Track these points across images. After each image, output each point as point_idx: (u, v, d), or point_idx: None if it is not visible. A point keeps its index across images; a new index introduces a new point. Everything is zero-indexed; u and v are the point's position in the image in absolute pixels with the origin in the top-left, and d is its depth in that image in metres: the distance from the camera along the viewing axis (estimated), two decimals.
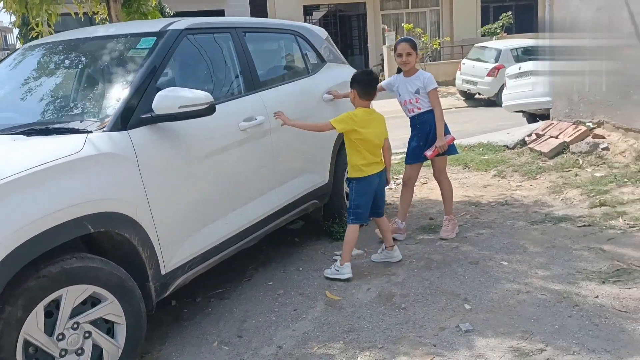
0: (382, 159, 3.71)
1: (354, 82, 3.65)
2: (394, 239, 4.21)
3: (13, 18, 6.32)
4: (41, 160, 2.32)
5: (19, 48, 3.93)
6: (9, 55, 3.84)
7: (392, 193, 5.67)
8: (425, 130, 4.11)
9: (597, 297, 3.06)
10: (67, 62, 3.44)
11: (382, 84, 4.35)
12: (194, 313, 3.32)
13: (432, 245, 4.06)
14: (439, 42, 18.20)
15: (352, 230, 3.64)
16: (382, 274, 3.63)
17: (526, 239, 4.02)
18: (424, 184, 5.93)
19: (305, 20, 21.27)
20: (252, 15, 19.81)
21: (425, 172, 6.28)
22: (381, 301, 3.25)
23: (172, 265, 2.85)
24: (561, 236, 4.00)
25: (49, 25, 6.17)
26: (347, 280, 3.54)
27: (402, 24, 19.74)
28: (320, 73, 4.50)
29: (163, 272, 2.80)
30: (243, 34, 3.80)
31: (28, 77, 3.41)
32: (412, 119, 4.18)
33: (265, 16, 20.28)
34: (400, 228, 4.27)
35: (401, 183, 4.46)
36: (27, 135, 2.64)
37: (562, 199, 4.90)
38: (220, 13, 19.70)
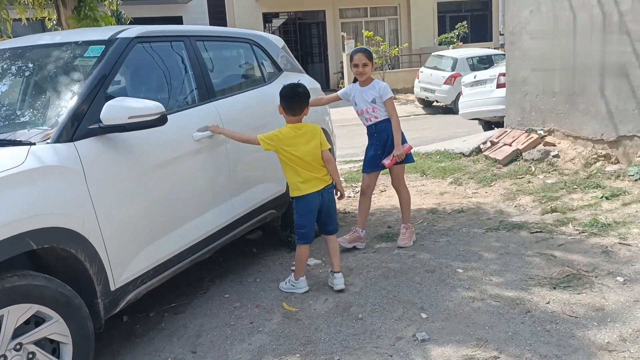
0: (325, 174, 3.49)
1: (280, 96, 3.44)
2: (354, 247, 4.21)
3: None
4: None
5: None
6: None
7: (351, 201, 5.68)
8: (382, 138, 4.13)
9: (548, 303, 3.11)
10: (11, 70, 3.30)
11: (338, 93, 4.36)
12: (146, 329, 3.23)
13: (389, 254, 4.07)
14: (398, 50, 18.44)
15: (301, 250, 3.53)
16: None
17: (481, 246, 4.07)
18: (382, 192, 5.96)
19: (264, 28, 21.25)
20: (210, 23, 19.64)
21: (384, 180, 6.33)
22: (338, 312, 3.23)
23: (123, 280, 2.76)
24: (515, 243, 4.07)
25: (8, 37, 5.94)
26: (305, 293, 3.51)
27: (362, 31, 19.92)
28: (276, 82, 4.47)
29: (113, 287, 2.70)
30: (197, 43, 3.74)
31: None
32: (369, 127, 4.20)
33: (225, 23, 20.15)
34: (361, 236, 4.27)
35: (359, 192, 4.46)
36: None
37: (515, 206, 5.00)
38: (178, 20, 19.49)
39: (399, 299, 3.32)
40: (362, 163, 4.54)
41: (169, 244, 3.08)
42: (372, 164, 4.20)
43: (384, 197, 5.75)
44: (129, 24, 14.55)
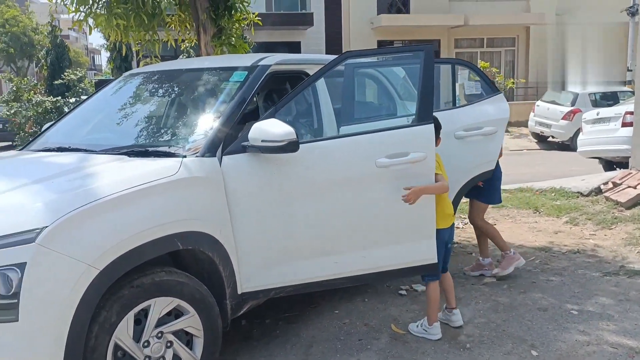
0: (452, 209, 3.43)
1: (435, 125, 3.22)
2: (482, 275, 4.22)
3: (103, 40, 6.85)
4: (140, 180, 2.56)
5: (102, 77, 4.27)
6: (110, 81, 4.19)
7: (458, 232, 5.66)
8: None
9: None
10: (164, 90, 3.74)
11: None
12: (262, 334, 3.46)
13: (499, 288, 4.04)
14: (514, 82, 17.99)
15: (433, 288, 3.31)
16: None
17: (598, 289, 3.93)
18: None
19: None
20: (327, 48, 20.33)
21: (492, 213, 6.26)
22: (446, 339, 3.27)
23: (249, 287, 2.95)
24: (636, 290, 3.88)
25: (153, 55, 6.62)
26: (437, 340, 3.28)
27: (478, 62, 19.67)
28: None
29: (240, 291, 2.94)
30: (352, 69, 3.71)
31: (128, 101, 3.73)
32: None
33: (340, 49, 20.77)
34: (484, 264, 4.33)
35: (468, 222, 4.49)
36: (129, 156, 2.91)
37: (638, 252, 4.75)
38: (297, 45, 20.35)
39: (508, 334, 3.30)
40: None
41: (303, 270, 3.05)
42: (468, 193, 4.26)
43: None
44: (252, 49, 15.49)
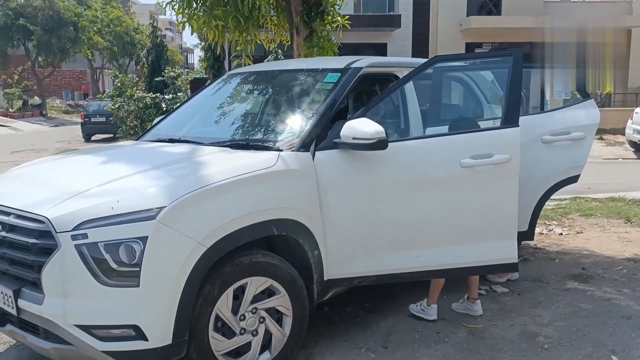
0: None
1: None
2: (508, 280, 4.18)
3: (197, 40, 7.33)
4: (243, 170, 2.84)
5: (197, 76, 4.62)
6: (204, 79, 4.56)
7: (542, 238, 5.60)
8: None
9: None
10: (262, 89, 4.04)
11: None
12: (344, 321, 3.67)
13: (582, 295, 4.02)
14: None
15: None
16: (527, 313, 3.70)
17: None
18: (578, 233, 5.78)
19: None
20: (413, 50, 20.30)
21: (581, 221, 6.13)
22: (524, 339, 3.34)
23: (335, 275, 3.17)
24: None
25: (247, 56, 7.04)
26: (433, 321, 3.55)
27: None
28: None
29: (326, 278, 3.16)
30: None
31: (231, 99, 4.06)
32: None
33: (427, 51, 20.65)
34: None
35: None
36: (232, 148, 3.21)
37: None
38: (383, 47, 20.44)
39: (589, 338, 3.31)
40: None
41: (386, 261, 3.22)
42: None
43: (580, 239, 5.56)
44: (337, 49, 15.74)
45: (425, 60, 3.62)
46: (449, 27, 20.97)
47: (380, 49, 20.30)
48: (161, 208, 2.51)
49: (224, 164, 2.94)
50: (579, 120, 4.07)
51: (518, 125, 3.22)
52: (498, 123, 3.63)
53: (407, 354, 3.19)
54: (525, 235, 4.08)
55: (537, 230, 5.82)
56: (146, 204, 2.54)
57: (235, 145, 3.25)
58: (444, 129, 3.59)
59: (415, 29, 20.85)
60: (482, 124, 3.80)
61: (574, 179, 4.08)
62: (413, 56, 20.58)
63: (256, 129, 3.64)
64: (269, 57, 15.79)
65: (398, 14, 20.09)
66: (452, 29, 20.99)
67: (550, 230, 5.85)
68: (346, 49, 16.96)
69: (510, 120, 3.26)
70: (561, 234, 5.73)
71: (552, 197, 7.58)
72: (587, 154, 4.08)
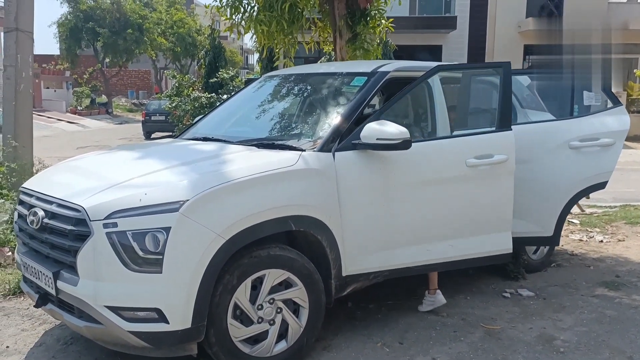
0: None
1: None
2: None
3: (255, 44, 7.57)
4: (264, 168, 3.01)
5: (251, 77, 4.85)
6: (250, 81, 4.77)
7: (581, 245, 5.50)
8: None
9: None
10: (293, 91, 4.20)
11: None
12: (364, 316, 3.79)
13: (610, 302, 3.97)
14: None
15: None
16: (549, 317, 3.71)
17: None
18: (620, 240, 5.64)
19: (524, 60, 20.76)
20: (469, 53, 20.01)
21: (625, 229, 5.98)
22: (540, 341, 3.36)
23: (352, 270, 3.30)
24: None
25: (287, 57, 7.27)
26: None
27: (634, 70, 18.15)
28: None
29: (344, 274, 3.29)
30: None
31: (263, 100, 4.25)
32: None
33: (484, 54, 20.32)
34: None
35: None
36: (258, 147, 3.39)
37: None
38: (438, 49, 20.24)
39: (607, 345, 3.30)
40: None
41: (399, 256, 3.42)
42: None
43: (621, 247, 5.44)
44: (394, 52, 15.74)
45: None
46: (507, 29, 20.55)
47: (435, 51, 20.12)
48: (184, 201, 2.71)
49: (246, 162, 3.12)
50: (608, 127, 4.03)
51: (511, 129, 3.60)
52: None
53: (421, 350, 3.28)
54: (551, 240, 4.07)
55: (577, 237, 5.76)
56: (171, 197, 2.75)
57: (261, 144, 3.43)
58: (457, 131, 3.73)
59: (471, 30, 20.53)
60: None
61: (601, 186, 4.03)
62: (469, 59, 20.28)
63: (282, 130, 3.81)
64: (322, 58, 16.00)
65: (454, 16, 19.86)
66: (510, 30, 20.56)
67: (590, 237, 5.74)
68: (401, 51, 17.00)
69: (503, 124, 3.63)
70: (601, 241, 5.62)
71: (601, 204, 7.44)
72: (616, 161, 4.03)
